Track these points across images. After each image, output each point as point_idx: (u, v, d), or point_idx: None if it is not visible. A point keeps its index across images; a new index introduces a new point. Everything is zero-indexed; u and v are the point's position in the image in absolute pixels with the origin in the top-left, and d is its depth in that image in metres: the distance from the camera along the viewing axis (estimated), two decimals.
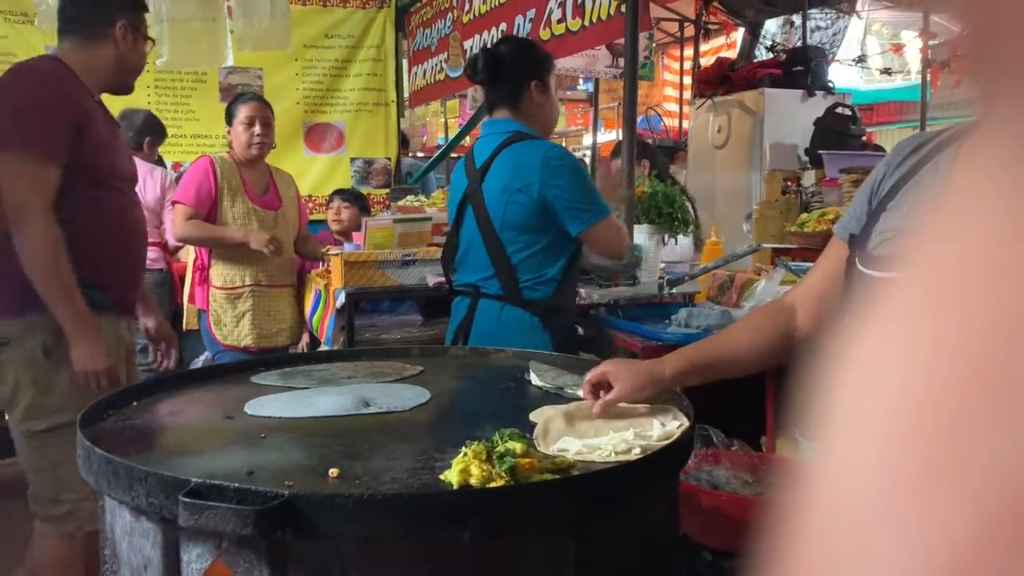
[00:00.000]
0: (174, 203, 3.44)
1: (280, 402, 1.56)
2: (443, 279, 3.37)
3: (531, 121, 2.43)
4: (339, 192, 4.66)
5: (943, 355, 0.21)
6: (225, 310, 3.36)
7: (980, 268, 0.21)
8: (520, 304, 2.31)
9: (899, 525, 0.20)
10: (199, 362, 3.89)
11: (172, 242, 4.08)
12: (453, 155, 9.29)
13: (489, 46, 2.50)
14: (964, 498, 0.19)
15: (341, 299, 3.29)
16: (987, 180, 0.23)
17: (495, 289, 2.35)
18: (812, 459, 0.24)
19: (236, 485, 1.04)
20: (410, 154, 7.68)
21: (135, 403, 1.57)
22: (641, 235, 3.14)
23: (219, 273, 3.35)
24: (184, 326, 3.84)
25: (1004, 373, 0.20)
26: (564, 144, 15.89)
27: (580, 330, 2.80)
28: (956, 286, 0.22)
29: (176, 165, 5.95)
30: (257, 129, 3.43)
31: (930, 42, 6.03)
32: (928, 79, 6.13)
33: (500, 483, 1.09)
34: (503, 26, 4.89)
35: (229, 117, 3.47)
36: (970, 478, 0.19)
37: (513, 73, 2.42)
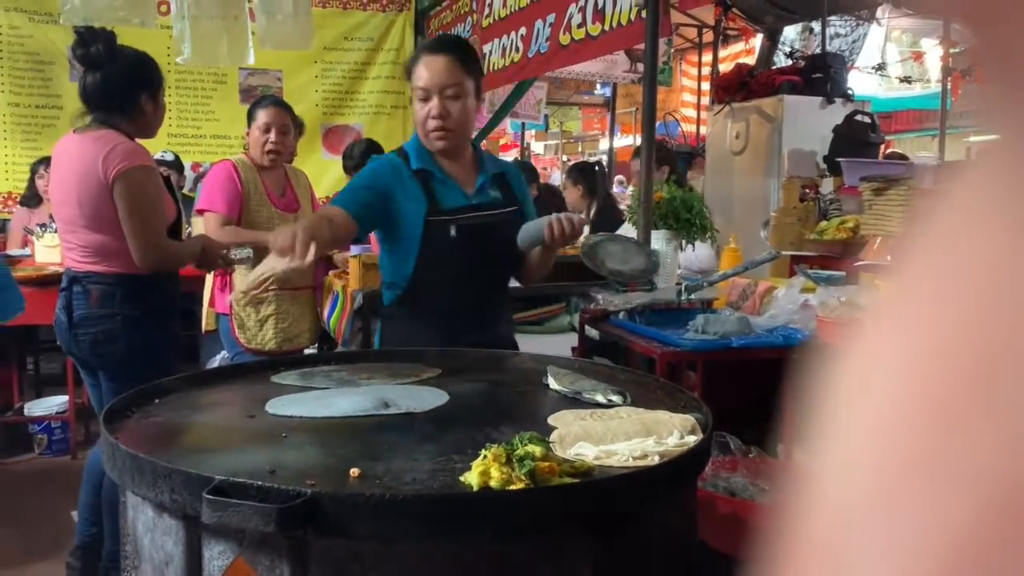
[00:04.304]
0: (201, 211, 3.35)
1: (301, 402, 1.57)
2: None
3: None
4: None
5: (938, 351, 0.22)
6: (248, 314, 3.34)
7: (972, 270, 0.22)
8: None
9: (899, 516, 0.21)
10: (215, 361, 3.92)
11: None
12: None
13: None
14: (962, 488, 0.20)
15: (359, 301, 3.30)
16: (981, 185, 0.23)
17: None
18: (810, 459, 0.25)
19: (259, 483, 1.05)
20: None
21: (157, 401, 1.59)
22: (658, 241, 3.14)
23: (243, 278, 3.33)
24: (203, 328, 3.87)
25: (997, 368, 0.20)
26: (580, 149, 15.55)
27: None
28: (949, 286, 0.22)
29: (195, 166, 5.99)
30: (272, 136, 3.34)
31: (951, 50, 6.00)
32: (948, 87, 6.10)
33: (520, 486, 1.09)
34: (523, 30, 4.90)
35: (249, 119, 3.41)
36: (967, 469, 0.20)
37: None
